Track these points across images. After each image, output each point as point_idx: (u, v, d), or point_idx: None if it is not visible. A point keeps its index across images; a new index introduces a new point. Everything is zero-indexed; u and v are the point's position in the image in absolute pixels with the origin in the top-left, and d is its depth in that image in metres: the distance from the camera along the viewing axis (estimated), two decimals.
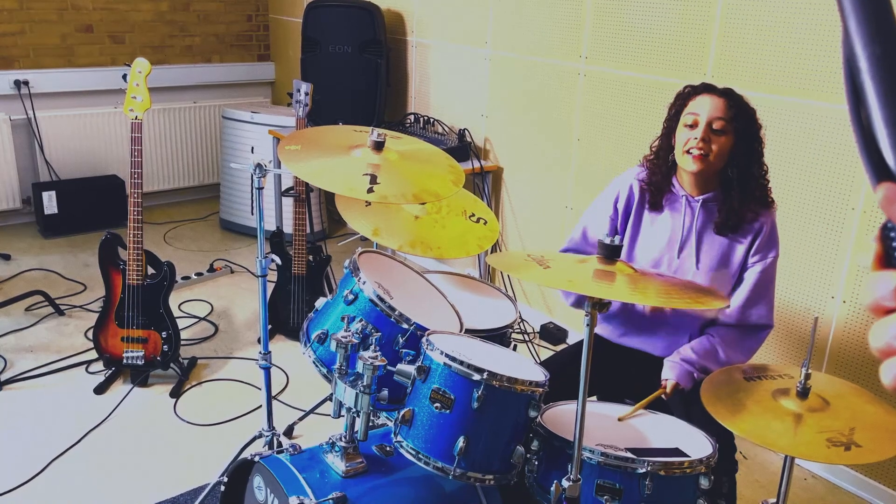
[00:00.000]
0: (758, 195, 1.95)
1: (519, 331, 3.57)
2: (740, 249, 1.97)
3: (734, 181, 1.94)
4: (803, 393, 1.59)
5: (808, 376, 1.58)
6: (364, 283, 1.76)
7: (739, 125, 1.91)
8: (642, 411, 1.82)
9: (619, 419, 1.77)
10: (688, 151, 1.91)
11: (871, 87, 0.43)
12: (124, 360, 2.98)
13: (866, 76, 0.43)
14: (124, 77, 2.86)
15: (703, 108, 1.91)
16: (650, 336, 2.09)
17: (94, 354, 3.09)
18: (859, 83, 0.43)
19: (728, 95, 1.93)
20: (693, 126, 1.91)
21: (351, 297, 1.77)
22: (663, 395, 1.91)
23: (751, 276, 1.97)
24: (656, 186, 2.02)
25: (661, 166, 2.02)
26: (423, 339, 1.64)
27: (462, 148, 3.80)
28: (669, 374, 1.93)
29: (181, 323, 3.33)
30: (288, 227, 3.74)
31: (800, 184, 2.62)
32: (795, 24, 2.54)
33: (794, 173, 2.62)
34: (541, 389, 1.61)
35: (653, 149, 2.06)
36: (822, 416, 1.56)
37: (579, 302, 2.08)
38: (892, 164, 0.43)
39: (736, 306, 1.98)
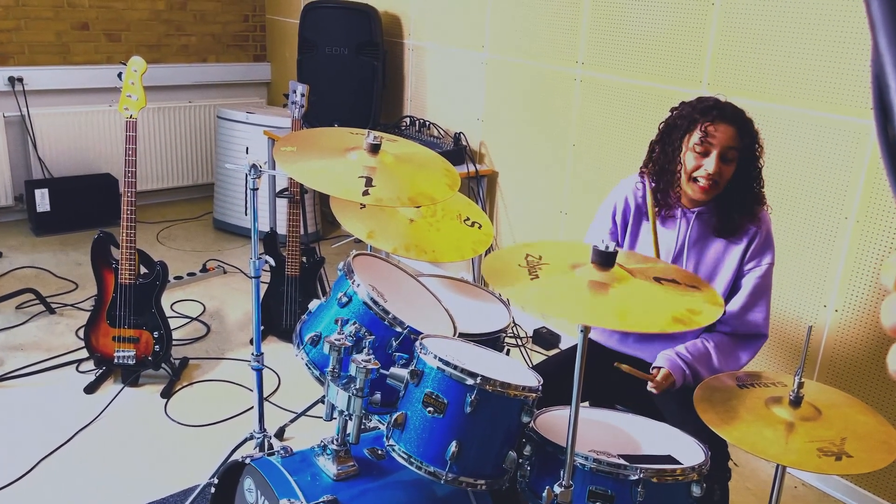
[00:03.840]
0: (751, 198, 1.96)
1: (512, 335, 3.57)
2: (734, 257, 1.98)
3: (729, 197, 1.94)
4: (796, 402, 1.59)
5: (801, 385, 1.59)
6: (358, 285, 1.75)
7: (746, 152, 1.91)
8: (637, 417, 1.82)
9: (615, 365, 1.78)
10: (695, 179, 1.91)
11: None
12: (115, 360, 2.97)
13: (895, 94, 0.42)
14: (119, 75, 2.85)
15: (717, 139, 1.88)
16: (645, 343, 2.09)
17: (84, 353, 3.08)
18: (888, 101, 0.43)
19: (738, 122, 1.90)
20: (705, 155, 1.90)
21: (345, 299, 1.76)
22: (652, 383, 1.89)
23: (748, 283, 1.98)
24: (664, 195, 2.01)
25: (664, 179, 1.99)
26: (417, 343, 1.63)
27: (457, 151, 3.80)
28: (662, 363, 1.92)
29: (173, 323, 3.32)
30: (282, 229, 3.72)
31: (794, 192, 2.62)
32: (792, 33, 2.55)
33: (788, 181, 2.63)
34: (534, 394, 1.61)
35: (656, 162, 2.01)
36: (813, 425, 1.57)
37: None
38: None
39: (731, 313, 1.98)
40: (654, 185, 2.01)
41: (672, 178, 1.98)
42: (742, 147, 1.90)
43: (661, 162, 2.00)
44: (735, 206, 1.94)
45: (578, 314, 1.43)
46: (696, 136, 1.90)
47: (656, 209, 2.02)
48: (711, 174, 1.88)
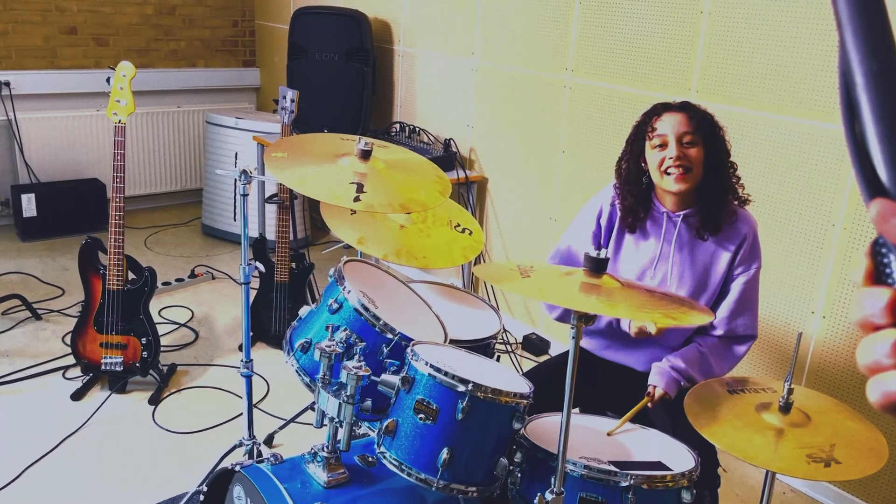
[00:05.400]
0: (729, 190, 1.97)
1: (502, 341, 3.57)
2: (723, 261, 1.99)
3: (710, 190, 1.96)
4: (785, 408, 1.60)
5: (790, 391, 1.60)
6: (349, 291, 1.75)
7: (705, 133, 1.94)
8: (627, 424, 1.82)
9: (609, 434, 1.76)
10: (666, 171, 1.93)
11: (867, 102, 0.43)
12: (103, 366, 2.95)
13: (862, 91, 0.43)
14: (108, 80, 2.83)
15: (668, 127, 1.93)
16: (633, 350, 2.10)
17: (71, 360, 3.05)
18: (854, 98, 0.43)
19: (686, 108, 1.95)
20: (663, 146, 1.93)
21: (335, 305, 1.76)
22: (649, 404, 1.91)
23: (736, 288, 1.99)
24: (633, 211, 2.03)
25: (634, 191, 2.02)
26: (408, 350, 1.63)
27: (447, 158, 3.81)
28: (657, 381, 1.93)
29: (161, 329, 3.29)
30: (271, 234, 3.71)
31: (782, 199, 2.64)
32: (780, 42, 2.57)
33: (776, 189, 2.65)
34: (525, 401, 1.61)
35: (623, 174, 2.05)
36: (803, 431, 1.57)
37: (564, 316, 2.09)
38: (885, 179, 0.43)
39: (722, 317, 2.00)
40: (625, 201, 2.03)
41: (645, 187, 2.02)
42: (698, 129, 1.92)
43: (631, 174, 2.03)
44: (714, 197, 1.95)
45: (570, 301, 1.43)
46: (649, 134, 1.96)
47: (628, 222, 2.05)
48: (675, 158, 1.90)
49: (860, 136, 0.44)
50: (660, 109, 1.98)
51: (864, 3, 0.43)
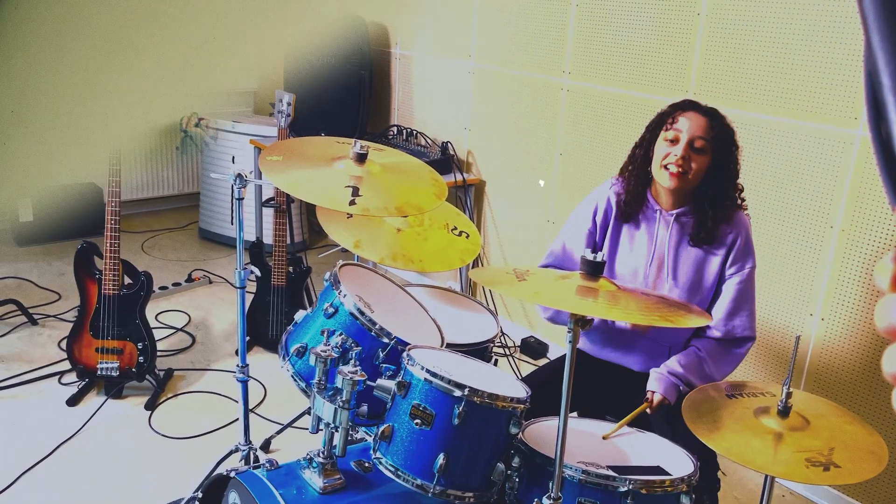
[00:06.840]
0: (730, 212, 1.97)
1: (500, 345, 3.56)
2: (715, 262, 1.98)
3: (707, 199, 1.95)
4: (784, 411, 1.59)
5: (789, 395, 1.59)
6: (345, 296, 1.74)
7: (719, 146, 1.92)
8: (625, 428, 1.81)
9: (604, 437, 1.76)
10: (665, 167, 1.92)
11: (894, 103, 0.42)
12: (98, 372, 2.93)
13: (889, 92, 0.42)
14: None
15: (686, 125, 1.91)
16: (629, 351, 2.09)
17: (67, 365, 3.03)
18: (881, 99, 0.42)
19: (712, 115, 1.94)
20: (674, 141, 1.92)
21: (331, 310, 1.74)
22: (647, 410, 1.90)
23: (730, 288, 1.98)
24: (632, 197, 2.02)
25: (638, 176, 2.02)
26: (404, 354, 1.62)
27: (445, 161, 3.80)
28: (656, 387, 1.92)
29: (157, 334, 3.28)
30: (268, 238, 3.70)
31: (779, 201, 2.63)
32: (777, 43, 2.56)
33: (773, 191, 2.64)
34: (522, 406, 1.60)
35: (635, 159, 2.04)
36: (801, 435, 1.56)
37: (556, 317, 2.09)
38: None
39: (719, 319, 1.99)
40: (628, 185, 2.02)
41: (648, 178, 2.01)
42: (713, 139, 1.91)
43: (638, 163, 2.02)
44: (712, 209, 1.95)
45: (568, 304, 1.42)
46: (667, 126, 1.94)
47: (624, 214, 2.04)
48: (680, 157, 1.89)
49: (887, 138, 0.42)
50: (687, 106, 1.96)
51: (891, 2, 0.42)
